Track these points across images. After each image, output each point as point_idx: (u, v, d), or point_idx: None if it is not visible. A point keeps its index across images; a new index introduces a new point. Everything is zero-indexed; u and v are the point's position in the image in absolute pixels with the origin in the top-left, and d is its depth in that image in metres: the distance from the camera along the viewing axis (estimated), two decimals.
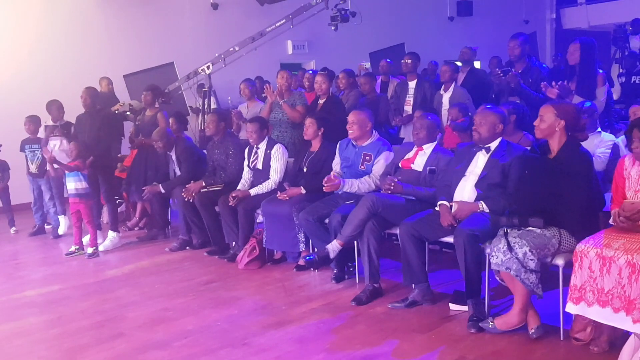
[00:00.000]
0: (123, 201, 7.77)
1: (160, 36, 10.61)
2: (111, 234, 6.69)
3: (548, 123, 3.82)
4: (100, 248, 6.49)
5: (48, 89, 8.94)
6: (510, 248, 3.64)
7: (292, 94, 6.70)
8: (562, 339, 3.74)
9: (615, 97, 7.93)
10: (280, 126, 6.56)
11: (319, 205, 5.19)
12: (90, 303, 4.91)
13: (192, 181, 6.31)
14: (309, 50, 12.65)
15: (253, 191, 5.85)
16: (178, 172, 6.68)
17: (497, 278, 4.00)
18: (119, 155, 7.48)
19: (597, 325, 3.49)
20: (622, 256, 3.24)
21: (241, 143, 6.45)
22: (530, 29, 14.85)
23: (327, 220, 5.03)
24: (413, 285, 4.49)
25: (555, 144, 3.84)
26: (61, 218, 7.35)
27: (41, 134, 7.32)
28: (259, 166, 5.95)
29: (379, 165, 5.15)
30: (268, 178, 5.85)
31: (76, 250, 6.40)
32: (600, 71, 5.67)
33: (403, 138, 7.09)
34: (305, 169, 5.63)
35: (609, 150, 4.72)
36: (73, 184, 6.32)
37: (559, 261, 3.71)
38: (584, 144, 3.94)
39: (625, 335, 3.39)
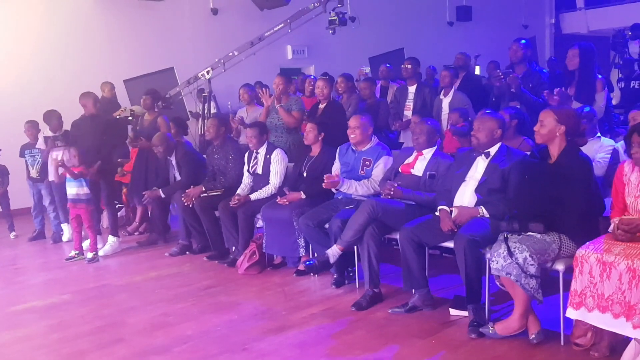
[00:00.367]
0: (123, 206, 7.79)
1: (160, 41, 10.61)
2: (111, 239, 6.68)
3: (549, 128, 3.82)
4: (100, 253, 6.48)
5: (48, 94, 8.98)
6: (510, 253, 3.64)
7: (290, 98, 6.71)
8: (562, 344, 3.74)
9: (614, 102, 7.94)
10: (276, 131, 6.55)
11: (319, 210, 5.19)
12: (90, 308, 4.91)
13: (192, 186, 6.31)
14: (309, 55, 12.66)
15: (253, 196, 5.85)
16: (178, 177, 6.68)
17: (498, 283, 4.00)
18: (119, 160, 7.47)
19: (598, 330, 3.49)
20: (623, 262, 3.24)
21: (241, 148, 6.45)
22: (530, 34, 14.87)
23: (327, 225, 5.03)
24: (413, 290, 4.49)
25: (555, 149, 3.85)
26: (65, 226, 7.32)
27: (40, 144, 7.25)
28: (259, 171, 5.95)
29: (379, 169, 5.16)
30: (268, 183, 5.85)
31: (76, 255, 6.39)
32: (600, 76, 5.68)
33: (402, 143, 7.09)
34: (305, 174, 5.64)
35: (609, 155, 4.73)
36: (75, 190, 6.33)
37: (559, 266, 3.71)
38: (583, 148, 3.95)
39: (626, 340, 3.39)
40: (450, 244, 4.19)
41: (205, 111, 8.40)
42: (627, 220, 3.47)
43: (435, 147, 4.90)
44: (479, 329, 3.93)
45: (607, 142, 4.87)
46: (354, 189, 5.12)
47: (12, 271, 6.22)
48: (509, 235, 3.76)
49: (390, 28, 13.33)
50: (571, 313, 3.45)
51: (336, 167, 5.42)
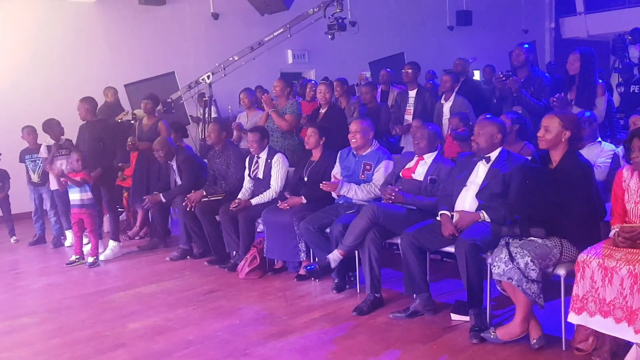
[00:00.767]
0: (124, 210, 7.79)
1: (161, 46, 10.65)
2: (112, 244, 6.68)
3: (554, 134, 3.81)
4: (101, 257, 6.48)
5: (48, 99, 9.00)
6: (511, 258, 3.64)
7: (286, 102, 6.72)
8: (564, 349, 3.73)
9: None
10: (272, 135, 6.53)
11: (320, 215, 5.19)
12: (90, 313, 4.90)
13: (192, 190, 6.30)
14: (309, 60, 12.69)
15: (254, 201, 5.85)
16: (179, 182, 6.68)
17: (499, 288, 4.00)
18: (120, 164, 7.47)
19: (599, 335, 3.49)
20: (624, 267, 3.24)
21: (242, 152, 6.46)
22: (530, 38, 14.89)
23: (328, 230, 5.03)
24: (414, 295, 4.49)
25: (556, 155, 3.84)
26: (68, 233, 7.30)
27: (42, 153, 7.20)
28: (260, 175, 5.95)
29: (379, 174, 5.16)
30: (269, 187, 5.86)
31: (76, 260, 6.39)
32: (600, 81, 5.69)
33: (403, 147, 7.10)
34: (306, 179, 5.64)
35: (610, 160, 4.73)
36: (78, 195, 6.33)
37: (561, 271, 3.71)
38: (584, 153, 3.95)
39: (627, 345, 3.39)
40: (451, 249, 4.19)
41: (206, 116, 8.42)
42: (628, 228, 3.47)
43: (436, 152, 4.91)
44: (481, 334, 3.92)
45: (607, 147, 4.87)
46: (354, 192, 5.12)
47: (12, 276, 6.21)
48: (510, 240, 3.76)
49: (391, 33, 13.37)
50: (573, 318, 3.46)
51: (336, 171, 5.42)
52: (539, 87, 5.86)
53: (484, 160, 4.33)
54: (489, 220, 4.17)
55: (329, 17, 8.10)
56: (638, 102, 8.32)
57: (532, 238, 3.73)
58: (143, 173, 7.21)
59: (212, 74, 8.37)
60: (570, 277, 3.59)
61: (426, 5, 14.45)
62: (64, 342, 4.31)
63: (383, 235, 4.67)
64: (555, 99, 5.34)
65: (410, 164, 4.95)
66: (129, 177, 7.48)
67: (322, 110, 6.70)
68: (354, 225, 4.66)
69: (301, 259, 5.43)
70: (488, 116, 4.56)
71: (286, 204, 5.49)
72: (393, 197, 4.67)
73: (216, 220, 6.10)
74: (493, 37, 15.14)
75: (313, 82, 8.05)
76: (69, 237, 7.25)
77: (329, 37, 8.29)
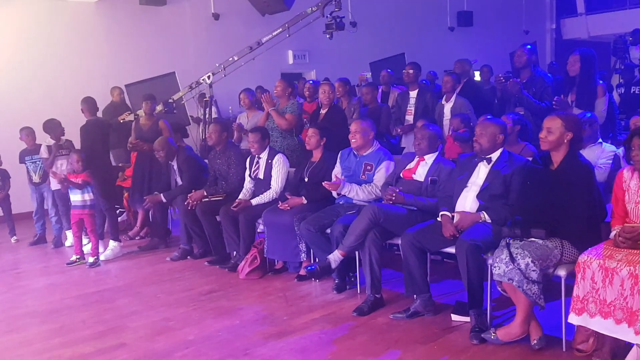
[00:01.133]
0: (124, 210, 7.79)
1: (161, 46, 10.66)
2: (112, 244, 6.69)
3: (557, 135, 3.81)
4: (101, 257, 6.48)
5: (49, 100, 9.01)
6: (512, 259, 3.64)
7: (287, 102, 6.72)
8: (564, 350, 3.73)
9: None
10: (271, 134, 6.52)
11: (321, 216, 5.19)
12: (91, 313, 4.91)
13: (193, 191, 6.31)
14: (310, 60, 12.70)
15: (254, 201, 5.85)
16: (179, 182, 6.69)
17: (499, 289, 4.00)
18: (121, 164, 7.48)
19: (600, 336, 3.49)
20: (625, 268, 3.25)
21: (243, 153, 6.46)
22: (531, 39, 14.91)
23: (328, 231, 5.03)
24: (415, 295, 4.49)
25: (558, 156, 3.85)
26: (69, 233, 7.29)
27: (43, 154, 7.21)
28: (260, 176, 5.96)
29: (380, 174, 5.16)
30: (269, 188, 5.86)
31: (77, 260, 6.39)
32: (601, 82, 5.68)
33: (404, 148, 7.10)
34: (306, 179, 5.64)
35: (610, 161, 4.73)
36: (80, 196, 6.34)
37: (561, 272, 3.71)
38: (585, 154, 3.95)
39: (628, 346, 3.39)
40: (452, 250, 4.19)
41: (207, 116, 8.42)
42: (630, 228, 3.47)
43: (436, 153, 4.91)
44: (481, 335, 3.92)
45: (608, 148, 4.87)
46: (355, 192, 5.12)
47: (13, 275, 6.21)
48: (511, 241, 3.76)
49: (391, 33, 13.38)
50: (573, 319, 3.46)
51: (337, 171, 5.42)
52: (541, 87, 5.86)
53: (485, 161, 4.33)
54: (489, 221, 4.17)
55: (327, 16, 8.08)
56: (639, 104, 8.33)
57: (533, 239, 3.73)
58: (143, 173, 7.21)
59: (213, 74, 8.38)
60: (571, 278, 3.60)
61: (427, 6, 14.45)
62: (65, 341, 4.32)
63: (383, 236, 4.68)
64: (555, 102, 5.34)
65: (411, 165, 4.95)
66: (129, 177, 7.48)
67: (323, 111, 6.70)
68: (354, 226, 4.66)
69: (301, 260, 5.43)
70: (489, 117, 4.56)
71: (287, 205, 5.49)
72: (394, 198, 4.67)
73: (217, 221, 6.10)
74: (494, 38, 15.15)
75: (311, 82, 8.03)
76: (70, 237, 7.25)
77: (327, 36, 8.28)
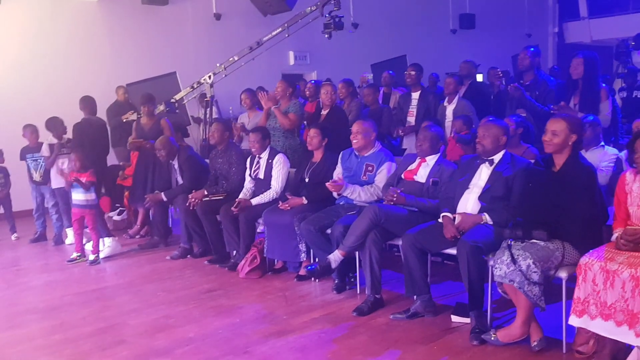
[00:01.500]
0: (125, 209, 7.79)
1: (163, 46, 10.65)
2: (107, 241, 6.65)
3: (562, 137, 3.81)
4: (101, 255, 6.47)
5: (50, 98, 9.00)
6: (513, 260, 3.64)
7: (289, 102, 6.73)
8: (564, 351, 3.73)
9: None
10: (273, 135, 6.52)
11: (321, 216, 5.19)
12: (91, 310, 4.91)
13: (193, 190, 6.31)
14: (311, 61, 12.70)
15: (254, 200, 5.85)
16: (180, 181, 6.69)
17: (500, 290, 4.00)
18: (121, 163, 7.47)
19: (600, 338, 3.48)
20: (626, 270, 3.25)
21: (244, 153, 6.46)
22: (533, 42, 14.84)
23: (328, 231, 5.03)
24: (415, 296, 4.48)
25: (560, 158, 3.85)
26: (69, 231, 7.28)
27: (44, 152, 7.20)
28: (261, 175, 5.95)
29: (381, 175, 5.16)
30: (269, 187, 5.86)
31: (77, 257, 6.39)
32: (604, 85, 5.68)
33: (405, 149, 7.10)
34: (307, 179, 5.64)
35: (612, 164, 4.74)
36: (82, 196, 6.33)
37: (562, 274, 3.71)
38: (588, 157, 3.95)
39: (628, 348, 3.39)
40: (453, 251, 4.19)
41: (207, 116, 8.43)
42: (631, 230, 3.47)
43: (438, 154, 4.91)
44: (481, 336, 3.92)
45: (610, 151, 4.88)
46: (357, 193, 5.12)
47: (13, 272, 6.21)
48: (512, 243, 3.76)
49: (393, 35, 13.37)
50: (574, 320, 3.46)
51: (338, 172, 5.42)
52: (544, 91, 5.86)
53: (487, 162, 4.33)
54: (491, 222, 4.17)
55: (326, 16, 8.07)
56: None
57: (534, 241, 3.73)
58: (144, 172, 7.21)
59: (214, 74, 8.38)
60: (572, 280, 3.60)
61: (429, 8, 14.46)
62: (65, 338, 4.32)
63: (384, 237, 4.67)
64: (556, 109, 5.32)
65: (413, 166, 4.95)
66: (129, 177, 7.48)
67: (324, 112, 6.71)
68: (355, 226, 4.66)
69: (301, 260, 5.43)
70: (491, 118, 4.56)
71: (287, 205, 5.49)
72: (395, 199, 4.67)
73: (217, 220, 6.10)
74: (496, 40, 15.14)
75: (312, 82, 8.03)
76: (70, 234, 7.24)
77: (326, 36, 8.27)
